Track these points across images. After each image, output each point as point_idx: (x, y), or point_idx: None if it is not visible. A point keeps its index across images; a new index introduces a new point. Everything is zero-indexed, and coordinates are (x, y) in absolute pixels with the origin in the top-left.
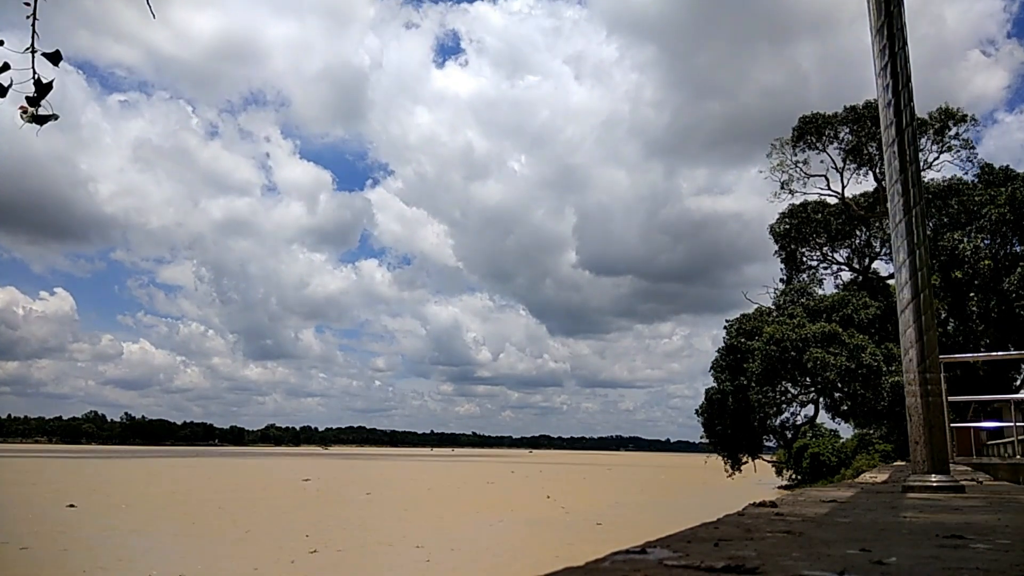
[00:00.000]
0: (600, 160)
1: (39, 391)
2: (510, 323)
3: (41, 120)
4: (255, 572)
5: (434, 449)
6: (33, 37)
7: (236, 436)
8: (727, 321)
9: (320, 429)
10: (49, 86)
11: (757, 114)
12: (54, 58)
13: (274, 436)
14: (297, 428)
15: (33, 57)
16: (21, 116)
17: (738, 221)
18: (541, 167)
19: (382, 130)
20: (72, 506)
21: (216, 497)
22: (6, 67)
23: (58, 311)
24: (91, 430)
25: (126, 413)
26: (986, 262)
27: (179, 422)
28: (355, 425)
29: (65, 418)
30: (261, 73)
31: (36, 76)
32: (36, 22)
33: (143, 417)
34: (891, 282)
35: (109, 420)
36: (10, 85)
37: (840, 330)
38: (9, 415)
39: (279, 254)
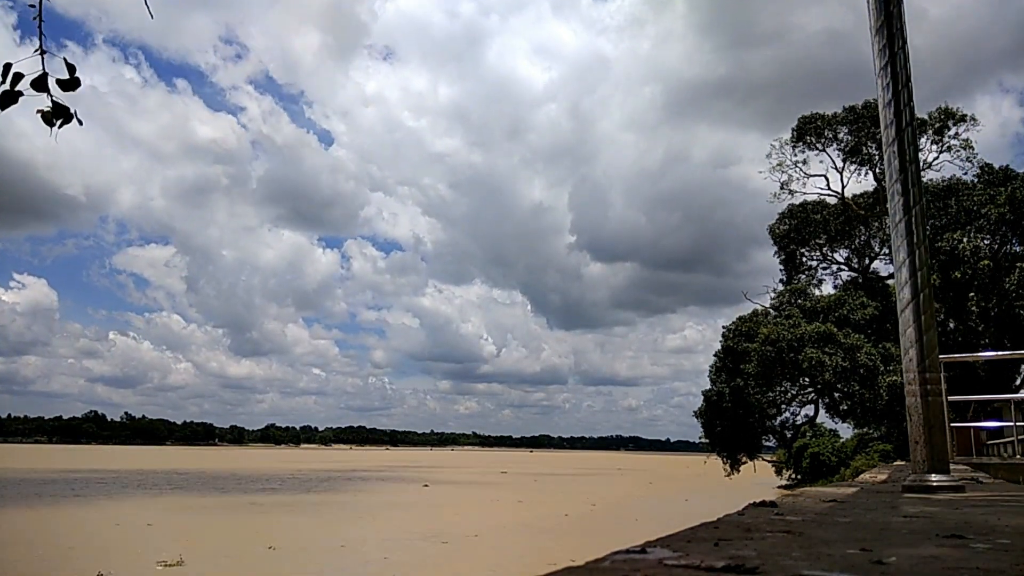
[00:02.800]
0: (607, 123)
1: (27, 389)
2: (509, 316)
3: (60, 115)
4: None
5: (433, 449)
6: (41, 39)
7: (236, 436)
8: (724, 327)
9: (320, 429)
10: (75, 83)
11: (798, 66)
12: (70, 84)
13: (274, 436)
14: (297, 428)
15: (43, 58)
16: (42, 119)
17: (750, 194)
18: (533, 133)
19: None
20: None
21: None
22: (18, 77)
23: (37, 303)
24: (91, 430)
25: (126, 413)
26: (986, 262)
27: (179, 421)
28: (355, 425)
29: (65, 417)
30: (231, 15)
31: (46, 74)
32: (43, 23)
33: (143, 417)
34: (890, 282)
35: (109, 420)
36: (20, 94)
37: (835, 330)
38: (9, 415)
39: (261, 237)
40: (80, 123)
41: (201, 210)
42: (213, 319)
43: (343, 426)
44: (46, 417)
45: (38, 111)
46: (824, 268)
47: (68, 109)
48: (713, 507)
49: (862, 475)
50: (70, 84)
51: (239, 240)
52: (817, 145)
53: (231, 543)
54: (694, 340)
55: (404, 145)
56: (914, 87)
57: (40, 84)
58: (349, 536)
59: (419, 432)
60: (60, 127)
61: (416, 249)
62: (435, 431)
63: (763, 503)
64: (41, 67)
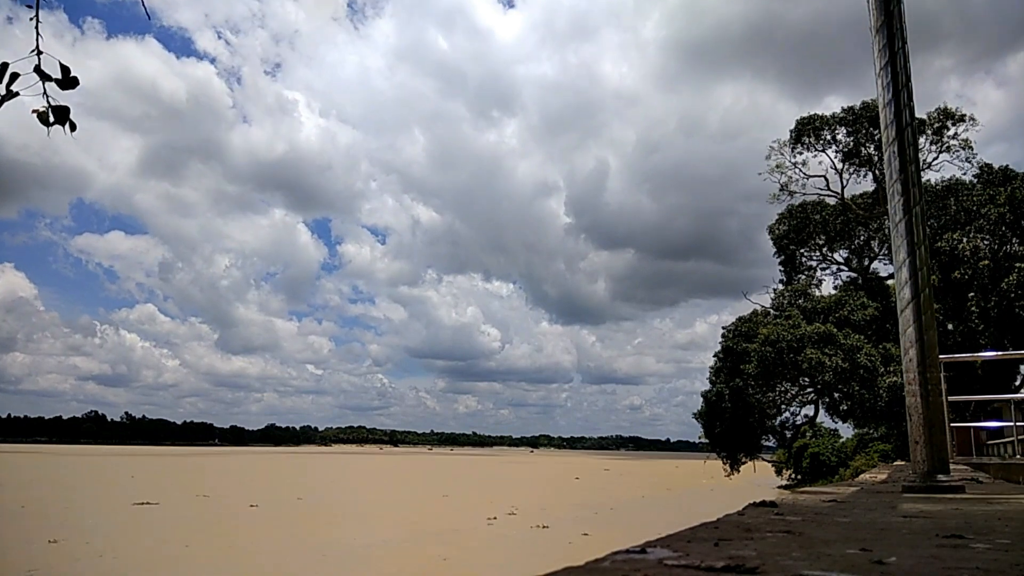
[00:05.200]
0: (609, 83)
1: (17, 388)
2: (509, 311)
3: (57, 116)
4: None
5: (433, 449)
6: (37, 40)
7: (236, 436)
8: (724, 327)
9: (320, 429)
10: (73, 82)
11: (841, 16)
12: (68, 83)
13: (275, 436)
14: (297, 428)
15: (40, 58)
16: (38, 118)
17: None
18: (524, 97)
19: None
20: None
21: None
22: (14, 77)
23: (14, 295)
24: (92, 430)
25: (126, 413)
26: (985, 262)
27: (178, 422)
28: (355, 425)
29: (66, 418)
30: None
31: (41, 73)
32: (39, 24)
33: (143, 417)
34: (890, 282)
35: (109, 420)
36: (16, 94)
37: (836, 331)
38: (9, 415)
39: (250, 221)
40: (74, 127)
41: (179, 188)
42: (201, 314)
43: (343, 426)
44: (46, 417)
45: (33, 111)
46: (824, 268)
47: (67, 110)
48: (744, 492)
49: (862, 475)
50: (68, 84)
51: (225, 227)
52: (816, 146)
53: None
54: (702, 335)
55: (390, 115)
56: (977, 29)
57: (40, 78)
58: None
59: (419, 432)
60: (54, 125)
61: (413, 235)
62: (435, 431)
63: (763, 503)
64: (37, 65)
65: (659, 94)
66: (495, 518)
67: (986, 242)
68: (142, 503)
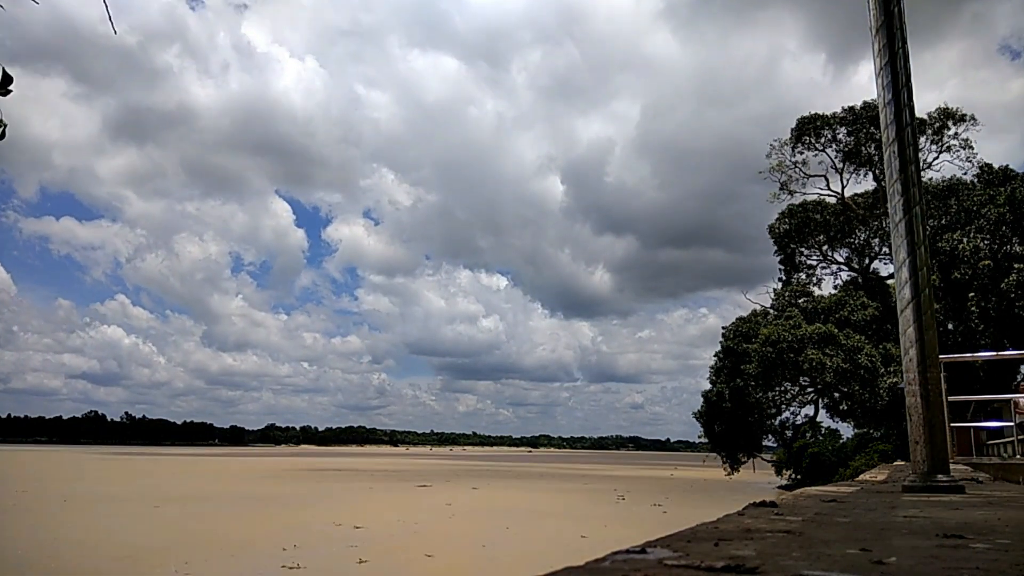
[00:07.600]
0: (615, 36)
1: (8, 387)
2: (508, 308)
3: None
4: None
5: (433, 449)
6: None
7: (236, 436)
8: (724, 328)
9: (320, 429)
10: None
11: None
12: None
13: (274, 436)
14: (297, 428)
15: None
16: None
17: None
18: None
19: None
20: None
21: None
22: None
23: None
24: (92, 430)
25: (126, 413)
26: (986, 262)
27: (178, 422)
28: (355, 424)
29: (65, 418)
30: None
31: None
32: None
33: (143, 417)
34: (890, 282)
35: (109, 420)
36: None
37: (836, 331)
38: (9, 415)
39: (247, 198)
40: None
41: (146, 160)
42: (188, 311)
43: (343, 426)
44: (47, 417)
45: None
46: (824, 268)
47: None
48: (744, 491)
49: (862, 475)
50: (2, 87)
51: (213, 215)
52: (816, 146)
53: None
54: (712, 329)
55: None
56: None
57: None
58: None
59: (419, 432)
60: None
61: (411, 215)
62: (435, 431)
63: (763, 503)
64: None
65: (675, 43)
66: (623, 497)
67: (986, 242)
68: (422, 485)
